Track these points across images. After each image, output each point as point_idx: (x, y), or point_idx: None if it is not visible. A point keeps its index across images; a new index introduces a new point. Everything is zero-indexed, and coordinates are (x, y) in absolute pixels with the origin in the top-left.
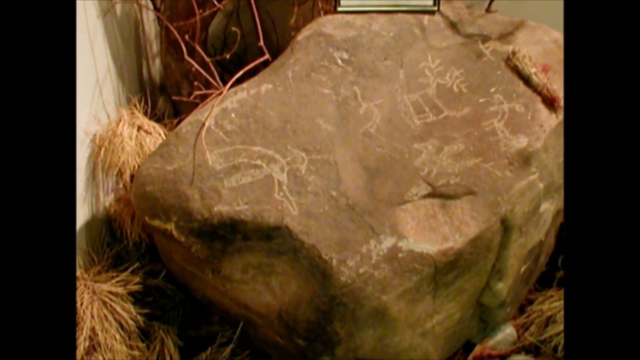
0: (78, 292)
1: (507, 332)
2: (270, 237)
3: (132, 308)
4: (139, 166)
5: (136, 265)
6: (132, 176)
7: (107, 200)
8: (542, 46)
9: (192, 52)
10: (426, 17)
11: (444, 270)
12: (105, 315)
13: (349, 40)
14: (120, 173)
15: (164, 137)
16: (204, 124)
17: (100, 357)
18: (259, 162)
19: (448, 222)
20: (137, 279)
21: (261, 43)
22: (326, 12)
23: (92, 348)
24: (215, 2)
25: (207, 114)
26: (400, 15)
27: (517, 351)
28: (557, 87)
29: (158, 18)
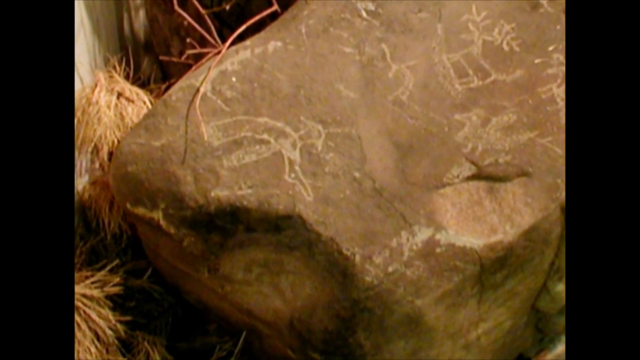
0: None
1: None
2: (279, 229)
3: (110, 315)
4: (119, 141)
5: (116, 262)
6: (110, 154)
7: (80, 183)
8: None
9: (184, 3)
10: None
11: (492, 269)
12: (78, 324)
13: None
14: (96, 150)
15: (150, 106)
16: (198, 90)
17: None
18: (265, 136)
19: (497, 209)
20: (116, 279)
21: None
22: None
23: None
24: None
25: (203, 78)
26: None
27: None
28: None
29: None
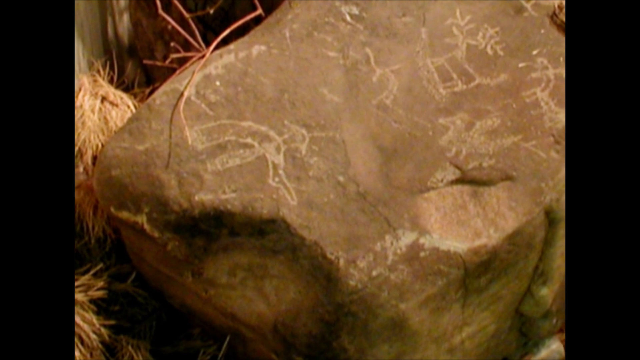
0: None
1: (552, 348)
2: (263, 233)
3: (94, 319)
4: (102, 145)
5: (99, 266)
6: (94, 158)
7: None
8: None
9: (167, 7)
10: None
11: (476, 273)
12: None
13: None
14: (80, 154)
15: (134, 110)
16: (182, 94)
17: None
18: (249, 140)
19: (481, 213)
20: (100, 284)
21: None
22: None
23: None
24: None
25: (187, 82)
26: None
27: None
28: None
29: None
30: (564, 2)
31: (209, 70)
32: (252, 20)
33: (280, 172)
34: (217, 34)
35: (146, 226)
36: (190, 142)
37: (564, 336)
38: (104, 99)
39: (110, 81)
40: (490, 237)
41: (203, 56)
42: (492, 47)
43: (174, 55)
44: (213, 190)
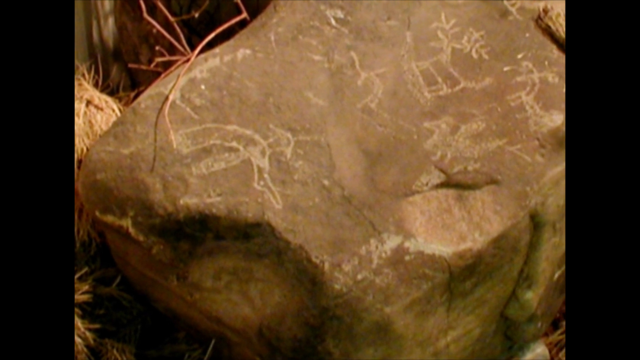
0: None
1: (537, 352)
2: (248, 236)
3: (79, 322)
4: (87, 149)
5: (84, 270)
6: (79, 161)
7: None
8: None
9: (152, 10)
10: None
11: (461, 277)
12: None
13: None
14: None
15: (119, 114)
16: (167, 98)
17: None
18: (234, 144)
19: (466, 217)
20: (85, 287)
21: None
22: None
23: None
24: None
25: (172, 86)
26: None
27: None
28: None
29: None
30: (548, 6)
31: (194, 74)
32: (237, 23)
33: (266, 175)
34: (202, 38)
35: (131, 230)
36: (175, 145)
37: (549, 340)
38: (88, 102)
39: (95, 85)
40: (475, 241)
41: (188, 60)
42: (477, 51)
43: (159, 59)
44: (198, 194)
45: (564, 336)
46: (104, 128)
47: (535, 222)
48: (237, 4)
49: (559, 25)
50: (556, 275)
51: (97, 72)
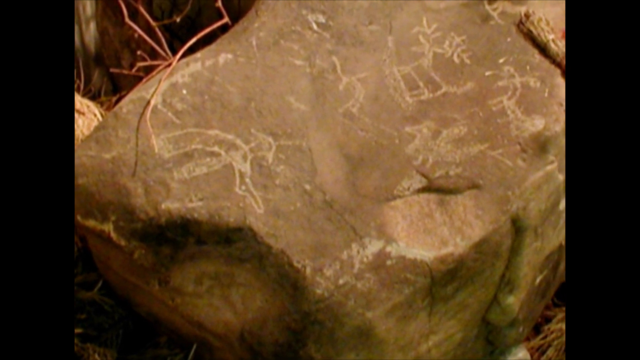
0: None
1: (519, 357)
2: (229, 241)
3: None
4: None
5: None
6: None
7: None
8: (562, 7)
9: (134, 15)
10: None
11: (442, 281)
12: None
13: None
14: None
15: (100, 119)
16: (149, 103)
17: None
18: (216, 148)
19: (447, 222)
20: None
21: (219, 3)
22: None
23: None
24: None
25: (153, 91)
26: None
27: None
28: None
29: None
30: (530, 10)
31: (176, 79)
32: (219, 28)
33: (247, 180)
34: (183, 43)
35: (113, 234)
36: (156, 150)
37: (530, 344)
38: None
39: (77, 89)
40: (456, 246)
41: (170, 64)
42: (458, 56)
43: (140, 64)
44: (180, 198)
45: (545, 341)
46: (86, 133)
47: (517, 227)
48: (218, 9)
49: (541, 30)
50: (538, 280)
51: (78, 76)
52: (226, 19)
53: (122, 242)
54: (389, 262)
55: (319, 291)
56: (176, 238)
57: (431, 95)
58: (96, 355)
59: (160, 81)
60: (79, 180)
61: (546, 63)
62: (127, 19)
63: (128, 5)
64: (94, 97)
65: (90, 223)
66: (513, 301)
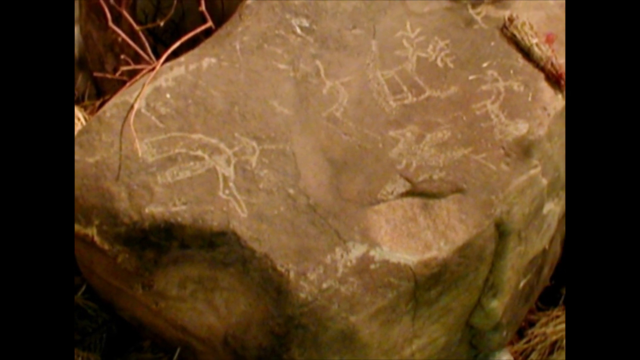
0: None
1: None
2: (213, 245)
3: None
4: None
5: None
6: None
7: None
8: (546, 11)
9: (118, 19)
10: None
11: (426, 286)
12: None
13: (309, 3)
14: None
15: (84, 123)
16: (132, 107)
17: None
18: (199, 152)
19: (431, 226)
20: None
21: (202, 7)
22: None
23: None
24: None
25: (137, 95)
26: None
27: None
28: (564, 62)
29: None
30: (514, 15)
31: (159, 83)
32: (203, 32)
33: (231, 184)
34: (167, 47)
35: (96, 239)
36: (140, 154)
37: (514, 348)
38: None
39: None
40: (440, 250)
41: (153, 69)
42: (442, 60)
43: (124, 68)
44: (163, 202)
45: (529, 345)
46: None
47: (501, 231)
48: (202, 13)
49: (524, 34)
50: (521, 284)
51: None
52: (210, 23)
53: (106, 246)
54: (372, 266)
55: (302, 295)
56: (160, 242)
57: (415, 99)
58: (80, 359)
59: (144, 85)
60: None
61: (530, 67)
62: (110, 23)
63: (112, 9)
64: (77, 101)
65: (74, 227)
66: (497, 305)
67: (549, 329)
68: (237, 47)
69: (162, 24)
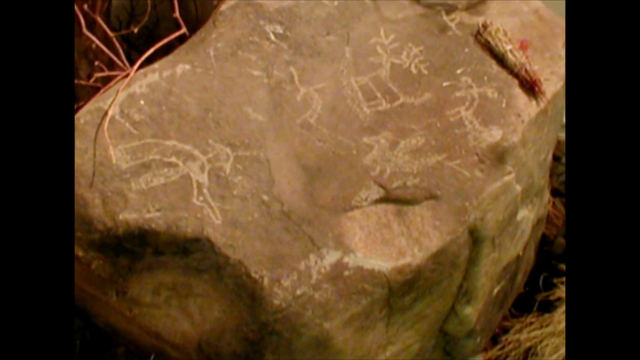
0: None
1: None
2: (187, 252)
3: None
4: None
5: None
6: None
7: None
8: (520, 18)
9: (92, 25)
10: None
11: (400, 292)
12: None
13: (283, 10)
14: None
15: None
16: (106, 113)
17: None
18: (173, 159)
19: (405, 232)
20: None
21: (176, 14)
22: None
23: None
24: None
25: (111, 101)
26: None
27: None
28: (537, 68)
29: None
30: (488, 21)
31: (133, 89)
32: (177, 39)
33: (205, 191)
34: (141, 53)
35: None
36: (114, 161)
37: (488, 355)
38: None
39: None
40: (414, 256)
41: (127, 75)
42: (416, 66)
43: (98, 74)
44: (137, 209)
45: (503, 351)
46: None
47: (474, 238)
48: (176, 19)
49: (498, 41)
50: (495, 291)
51: None
52: (184, 30)
53: (80, 253)
54: (346, 273)
55: (276, 302)
56: (134, 249)
57: (389, 105)
58: None
59: (118, 92)
60: None
61: (504, 74)
62: (84, 30)
63: (86, 16)
64: None
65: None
66: (470, 312)
67: (523, 336)
68: (211, 53)
69: (136, 30)
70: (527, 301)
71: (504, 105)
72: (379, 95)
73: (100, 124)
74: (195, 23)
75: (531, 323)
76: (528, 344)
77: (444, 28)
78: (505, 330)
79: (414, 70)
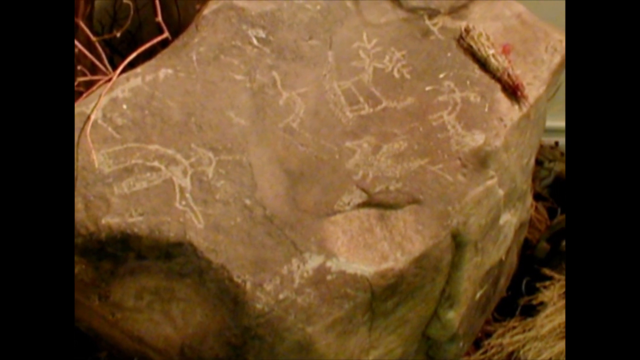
0: None
1: None
2: (170, 256)
3: None
4: None
5: None
6: None
7: None
8: (503, 22)
9: (74, 30)
10: None
11: (383, 296)
12: None
13: (266, 14)
14: None
15: None
16: (89, 118)
17: None
18: (156, 163)
19: (387, 237)
20: None
21: (159, 18)
22: None
23: None
24: None
25: (93, 106)
26: None
27: None
28: (520, 72)
29: None
30: (470, 25)
31: (116, 94)
32: (159, 43)
33: (187, 195)
34: (124, 57)
35: None
36: (97, 165)
37: (471, 359)
38: None
39: None
40: (397, 261)
41: (110, 79)
42: (398, 71)
43: (80, 79)
44: (120, 213)
45: (485, 356)
46: None
47: (457, 242)
48: (159, 24)
49: (481, 45)
50: (478, 295)
51: None
52: (166, 34)
53: None
54: (329, 277)
55: (259, 306)
56: (116, 253)
57: (371, 110)
58: None
59: (100, 96)
60: None
61: (486, 78)
62: None
63: None
64: None
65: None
66: (453, 316)
67: (506, 340)
68: (194, 57)
69: (118, 34)
70: (509, 305)
71: (486, 109)
72: (361, 99)
73: (82, 129)
74: (178, 27)
75: (514, 327)
76: (511, 348)
77: (426, 32)
78: (488, 335)
79: (396, 75)
